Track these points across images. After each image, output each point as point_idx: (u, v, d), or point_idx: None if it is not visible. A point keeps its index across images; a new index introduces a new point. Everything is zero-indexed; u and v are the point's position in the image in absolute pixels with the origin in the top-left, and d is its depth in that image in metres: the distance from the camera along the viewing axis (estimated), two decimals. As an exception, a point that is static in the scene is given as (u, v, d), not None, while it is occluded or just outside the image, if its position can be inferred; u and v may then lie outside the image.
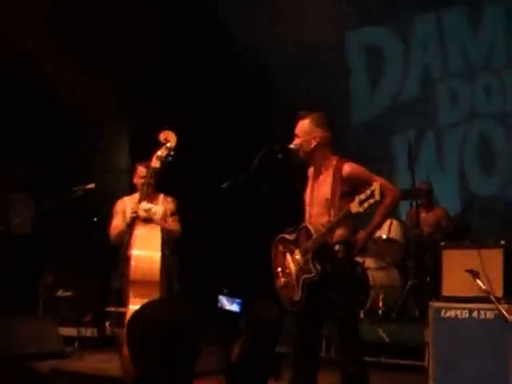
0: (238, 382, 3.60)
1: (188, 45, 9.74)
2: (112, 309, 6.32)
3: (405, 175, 8.42)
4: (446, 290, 5.98)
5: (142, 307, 2.81)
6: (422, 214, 8.55)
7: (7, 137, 9.08)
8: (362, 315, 7.69)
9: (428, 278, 7.59)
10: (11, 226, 7.62)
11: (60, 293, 8.64)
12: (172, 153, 6.16)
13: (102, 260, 7.45)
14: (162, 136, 6.21)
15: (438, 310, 5.89)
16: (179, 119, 8.59)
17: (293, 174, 5.44)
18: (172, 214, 6.31)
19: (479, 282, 5.62)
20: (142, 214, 6.07)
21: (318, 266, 4.85)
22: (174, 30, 9.73)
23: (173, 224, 6.33)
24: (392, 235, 8.14)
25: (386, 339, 7.00)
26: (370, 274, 7.84)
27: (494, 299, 5.53)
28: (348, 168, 4.97)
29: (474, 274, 5.66)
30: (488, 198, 9.57)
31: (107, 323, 7.95)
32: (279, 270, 5.17)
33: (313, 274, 4.86)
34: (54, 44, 9.09)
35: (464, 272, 5.71)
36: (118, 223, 6.41)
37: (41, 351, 7.34)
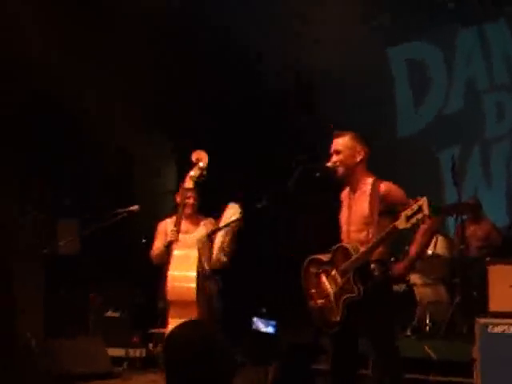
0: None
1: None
2: (154, 330, 6.37)
3: (451, 190, 8.35)
4: (493, 306, 5.90)
5: (176, 327, 2.84)
6: (471, 228, 8.49)
7: (51, 165, 9.25)
8: (408, 332, 7.62)
9: (475, 294, 7.49)
10: (58, 247, 7.73)
11: (109, 313, 8.71)
12: (205, 172, 6.18)
13: (149, 280, 7.51)
14: (194, 156, 6.24)
15: (485, 325, 5.81)
16: (221, 138, 8.68)
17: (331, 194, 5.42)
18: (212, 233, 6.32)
19: (526, 297, 5.55)
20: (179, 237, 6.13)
21: (360, 286, 4.78)
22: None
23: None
24: (438, 251, 8.08)
25: (434, 356, 6.90)
26: (416, 290, 7.77)
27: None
28: (385, 187, 4.95)
29: (521, 289, 5.60)
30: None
31: (150, 344, 8.00)
32: (313, 291, 5.11)
33: (355, 294, 4.79)
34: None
35: (510, 287, 5.65)
36: (158, 245, 6.48)
37: (89, 371, 7.41)
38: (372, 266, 4.86)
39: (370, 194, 4.93)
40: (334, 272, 4.96)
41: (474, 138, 10.17)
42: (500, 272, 5.91)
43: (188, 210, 6.37)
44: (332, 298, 4.95)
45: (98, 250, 8.98)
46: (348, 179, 5.11)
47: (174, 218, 6.42)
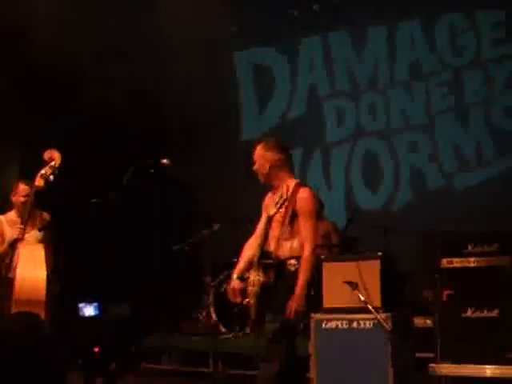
0: None
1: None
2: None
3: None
4: (327, 302, 6.09)
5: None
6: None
7: None
8: (248, 330, 7.73)
9: (312, 291, 7.66)
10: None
11: None
12: (56, 172, 6.18)
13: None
14: (47, 155, 6.25)
15: (320, 321, 5.98)
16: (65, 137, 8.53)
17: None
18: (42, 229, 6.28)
19: (358, 293, 5.76)
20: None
21: (261, 276, 5.16)
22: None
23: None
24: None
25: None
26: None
27: (372, 309, 5.66)
28: (301, 194, 5.30)
29: (353, 286, 5.80)
30: (373, 212, 9.84)
31: None
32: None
33: (256, 285, 5.17)
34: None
35: (343, 284, 5.85)
36: None
37: None
38: (292, 261, 5.23)
39: (287, 198, 5.23)
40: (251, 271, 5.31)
41: (315, 142, 10.48)
42: (333, 269, 6.09)
43: (31, 207, 6.25)
44: (250, 294, 5.25)
45: None
46: (269, 184, 5.47)
47: (9, 214, 6.28)
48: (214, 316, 8.10)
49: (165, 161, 5.11)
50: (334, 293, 6.01)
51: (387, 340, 5.57)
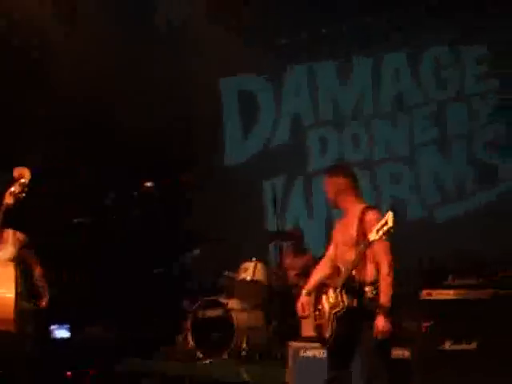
0: None
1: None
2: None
3: (273, 219, 8.58)
4: (305, 331, 6.08)
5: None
6: (292, 259, 8.72)
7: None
8: (225, 356, 7.69)
9: (290, 321, 7.66)
10: None
11: None
12: (26, 189, 6.06)
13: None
14: (16, 172, 6.12)
15: (297, 350, 5.96)
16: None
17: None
18: (25, 247, 6.20)
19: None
20: None
21: (345, 299, 5.09)
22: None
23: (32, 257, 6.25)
24: (256, 277, 8.22)
25: (249, 380, 7.00)
26: (234, 315, 7.86)
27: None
28: (368, 216, 5.28)
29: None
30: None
31: None
32: (316, 313, 5.34)
33: (340, 307, 5.09)
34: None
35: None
36: None
37: None
38: (367, 288, 5.13)
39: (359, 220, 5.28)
40: (330, 290, 5.24)
41: (297, 170, 10.49)
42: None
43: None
44: (327, 314, 5.21)
45: None
46: (337, 208, 5.58)
47: None
48: (191, 341, 8.05)
49: (148, 184, 5.06)
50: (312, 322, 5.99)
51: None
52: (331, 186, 5.51)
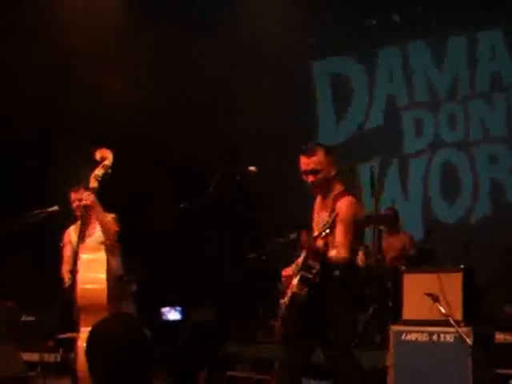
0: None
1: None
2: (63, 335, 6.21)
3: (370, 202, 8.52)
4: (407, 314, 6.04)
5: (97, 324, 2.82)
6: (389, 239, 8.66)
7: None
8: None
9: (390, 303, 7.62)
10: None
11: (23, 318, 8.54)
12: (109, 171, 5.87)
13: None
14: (98, 154, 5.91)
15: (399, 333, 5.93)
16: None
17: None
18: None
19: (439, 306, 5.70)
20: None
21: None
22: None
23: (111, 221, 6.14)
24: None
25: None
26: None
27: (453, 322, 5.59)
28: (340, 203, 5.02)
29: (434, 298, 5.75)
30: (451, 224, 9.71)
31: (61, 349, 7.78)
32: (287, 291, 5.24)
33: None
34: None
35: (424, 296, 5.79)
36: (68, 254, 6.32)
37: (3, 376, 7.24)
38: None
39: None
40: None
41: (392, 153, 10.41)
42: (414, 281, 6.05)
43: (82, 213, 6.07)
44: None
45: (12, 252, 8.78)
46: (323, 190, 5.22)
47: (78, 224, 6.18)
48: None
49: (252, 168, 5.01)
50: (414, 305, 5.97)
51: (468, 355, 5.50)
52: (330, 165, 5.12)
